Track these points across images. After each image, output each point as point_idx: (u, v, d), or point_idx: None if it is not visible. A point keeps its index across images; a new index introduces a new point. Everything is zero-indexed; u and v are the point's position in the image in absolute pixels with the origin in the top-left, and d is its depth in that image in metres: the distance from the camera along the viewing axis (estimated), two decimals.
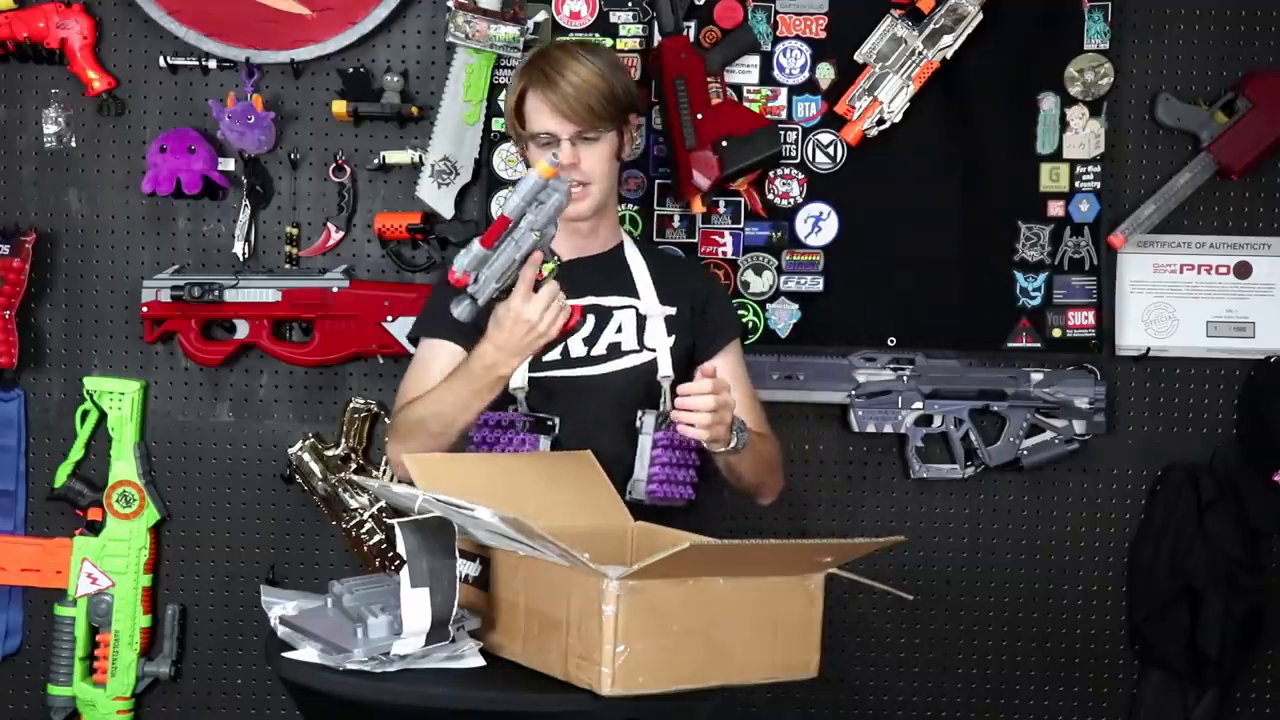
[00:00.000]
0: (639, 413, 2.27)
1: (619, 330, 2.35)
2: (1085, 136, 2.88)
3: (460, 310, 2.03)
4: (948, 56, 2.83)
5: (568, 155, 2.29)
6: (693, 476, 2.31)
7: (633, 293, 2.38)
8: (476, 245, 2.02)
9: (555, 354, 2.31)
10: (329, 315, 2.82)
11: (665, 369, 2.33)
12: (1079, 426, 2.91)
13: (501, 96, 2.84)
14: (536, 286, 2.06)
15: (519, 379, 2.29)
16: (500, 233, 2.02)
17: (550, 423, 2.28)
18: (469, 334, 2.31)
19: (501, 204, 2.22)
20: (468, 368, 2.16)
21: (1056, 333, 2.90)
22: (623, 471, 2.25)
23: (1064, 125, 2.88)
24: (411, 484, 1.98)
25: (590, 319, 2.32)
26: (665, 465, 2.28)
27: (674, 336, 2.36)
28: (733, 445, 2.17)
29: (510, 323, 2.06)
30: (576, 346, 2.33)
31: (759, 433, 2.33)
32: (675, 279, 2.43)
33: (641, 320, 2.35)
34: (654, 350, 2.34)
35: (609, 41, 2.84)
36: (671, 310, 2.35)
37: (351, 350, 2.85)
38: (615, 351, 2.34)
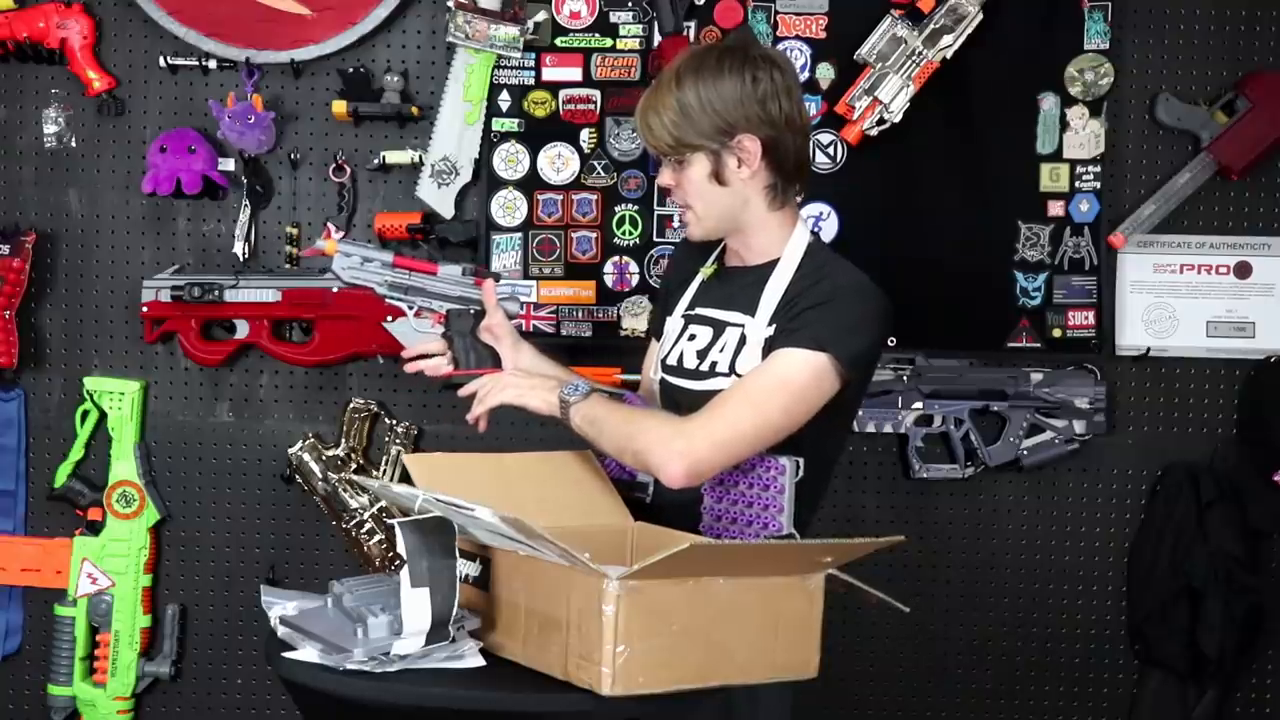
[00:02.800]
0: None
1: (722, 349, 2.17)
2: (1085, 136, 2.88)
3: None
4: (948, 56, 2.83)
5: (662, 175, 2.21)
6: (775, 506, 2.12)
7: (752, 310, 2.16)
8: None
9: (674, 359, 2.24)
10: (329, 315, 2.82)
11: None
12: (1079, 426, 2.91)
13: (501, 96, 2.85)
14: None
15: (654, 372, 2.30)
16: None
17: None
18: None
19: None
20: None
21: (1056, 333, 2.90)
22: (694, 494, 2.13)
23: (1064, 125, 2.88)
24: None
25: (709, 332, 2.22)
26: (727, 503, 2.13)
27: None
28: (563, 396, 2.11)
29: None
30: (690, 358, 2.21)
31: (644, 412, 2.16)
32: (801, 292, 2.13)
33: (742, 343, 2.15)
34: (742, 378, 2.13)
35: (609, 41, 2.85)
36: (771, 330, 2.12)
37: (351, 350, 2.84)
38: (711, 371, 2.18)
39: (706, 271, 2.28)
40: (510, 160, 2.87)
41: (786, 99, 2.13)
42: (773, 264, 2.19)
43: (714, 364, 2.17)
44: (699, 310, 2.25)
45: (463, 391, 2.25)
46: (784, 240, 2.19)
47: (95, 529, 2.89)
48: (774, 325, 2.12)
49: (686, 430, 2.04)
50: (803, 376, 2.06)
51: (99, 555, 2.87)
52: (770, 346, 2.10)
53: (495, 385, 2.21)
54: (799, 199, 2.23)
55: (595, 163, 2.88)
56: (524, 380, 2.21)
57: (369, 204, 2.90)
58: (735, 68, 2.11)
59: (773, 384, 2.06)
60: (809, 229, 2.23)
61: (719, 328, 2.20)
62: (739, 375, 2.12)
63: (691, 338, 2.23)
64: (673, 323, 2.29)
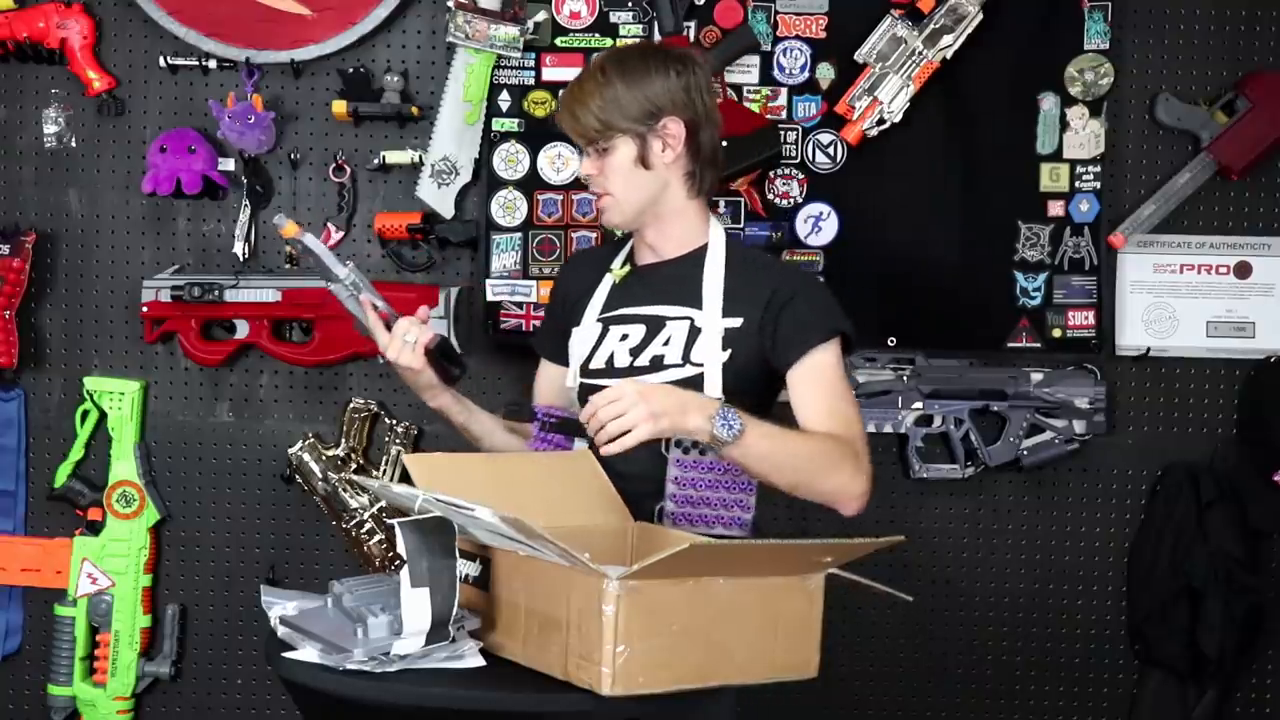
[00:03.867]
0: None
1: (666, 343, 2.21)
2: (1085, 136, 2.88)
3: None
4: (948, 56, 2.83)
5: (584, 165, 2.26)
6: (741, 505, 2.17)
7: (695, 303, 2.21)
8: None
9: (601, 361, 2.25)
10: (329, 315, 2.82)
11: (713, 387, 2.15)
12: (1079, 426, 2.91)
13: (501, 96, 2.85)
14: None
15: (571, 381, 2.30)
16: None
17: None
18: (563, 354, 2.34)
19: None
20: None
21: (1056, 333, 2.90)
22: (654, 490, 2.15)
23: (1064, 125, 2.88)
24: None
25: (641, 329, 2.24)
26: (691, 489, 2.15)
27: (730, 351, 2.17)
28: (717, 435, 1.99)
29: None
30: (622, 356, 2.23)
31: (809, 431, 2.13)
32: (752, 286, 2.20)
33: (694, 333, 2.19)
34: (700, 366, 2.17)
35: (609, 41, 2.85)
36: (736, 322, 2.18)
37: (351, 350, 2.85)
38: (657, 364, 2.20)
39: (619, 274, 2.30)
40: (510, 160, 2.87)
41: (707, 94, 2.25)
42: (695, 254, 2.25)
43: (658, 358, 2.21)
44: (621, 311, 2.27)
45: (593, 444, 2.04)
46: (701, 230, 2.28)
47: (95, 529, 2.89)
48: (741, 318, 2.18)
49: (857, 465, 2.14)
50: (841, 366, 2.20)
51: (99, 555, 2.87)
52: (782, 350, 2.16)
53: (629, 411, 1.96)
54: (710, 197, 2.32)
55: None
56: (667, 401, 2.00)
57: (369, 204, 2.90)
58: (659, 63, 2.23)
59: (841, 388, 2.19)
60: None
61: (654, 323, 2.23)
62: (698, 365, 2.17)
63: (623, 338, 2.25)
64: (586, 330, 2.30)
